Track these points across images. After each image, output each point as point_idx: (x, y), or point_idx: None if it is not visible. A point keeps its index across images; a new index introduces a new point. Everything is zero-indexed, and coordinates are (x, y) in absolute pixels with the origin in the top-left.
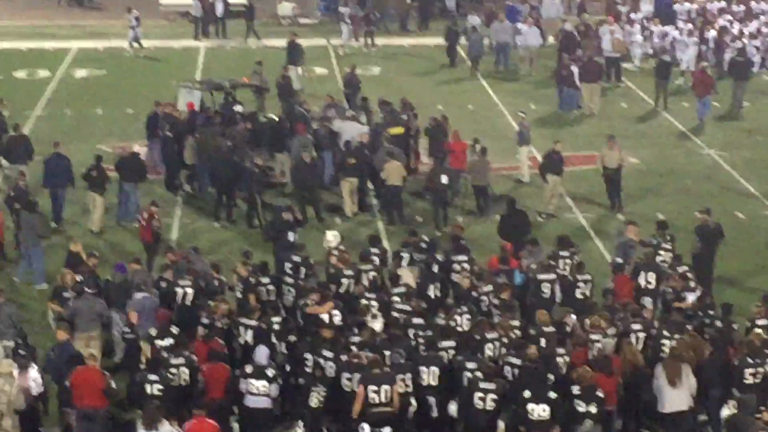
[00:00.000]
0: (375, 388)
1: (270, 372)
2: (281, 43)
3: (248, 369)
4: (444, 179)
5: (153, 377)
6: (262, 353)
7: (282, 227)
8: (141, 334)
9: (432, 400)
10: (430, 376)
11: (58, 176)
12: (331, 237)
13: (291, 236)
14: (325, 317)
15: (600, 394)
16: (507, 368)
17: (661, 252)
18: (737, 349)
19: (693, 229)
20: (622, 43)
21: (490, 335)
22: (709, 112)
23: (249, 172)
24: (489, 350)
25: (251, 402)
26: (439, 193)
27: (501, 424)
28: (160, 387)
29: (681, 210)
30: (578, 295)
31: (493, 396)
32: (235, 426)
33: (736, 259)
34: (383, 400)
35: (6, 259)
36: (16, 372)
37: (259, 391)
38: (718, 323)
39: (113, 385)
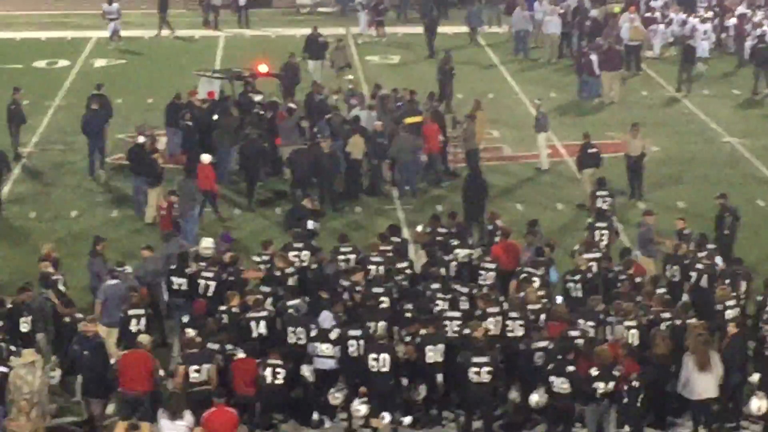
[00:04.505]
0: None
1: (333, 335)
2: (300, 32)
3: (313, 333)
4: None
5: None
6: (325, 317)
7: (302, 216)
8: (107, 322)
9: (439, 377)
10: (436, 353)
11: (93, 127)
12: (208, 243)
13: (311, 224)
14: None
15: (616, 372)
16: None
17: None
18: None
19: (713, 216)
20: (641, 31)
21: (491, 309)
22: None
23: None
24: (491, 325)
25: (318, 364)
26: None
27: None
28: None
29: (701, 198)
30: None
31: (488, 368)
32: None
33: (756, 246)
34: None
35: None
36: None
37: (324, 353)
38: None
39: (161, 371)
